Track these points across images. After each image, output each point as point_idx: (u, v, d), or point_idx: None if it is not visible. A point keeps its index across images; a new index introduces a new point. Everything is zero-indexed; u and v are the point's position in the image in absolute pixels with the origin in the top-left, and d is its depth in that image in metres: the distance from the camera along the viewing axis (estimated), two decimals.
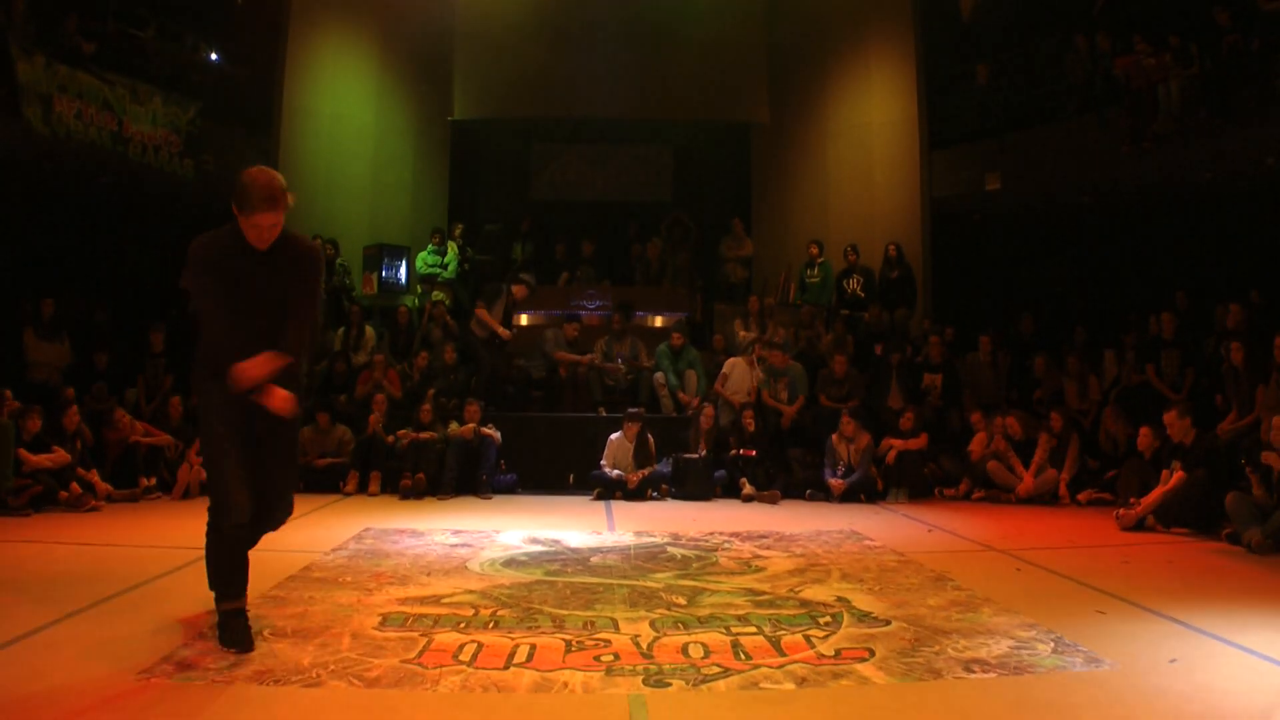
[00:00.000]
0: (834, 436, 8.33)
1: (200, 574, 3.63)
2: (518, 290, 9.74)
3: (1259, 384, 7.30)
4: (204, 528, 3.52)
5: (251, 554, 3.59)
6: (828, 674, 3.21)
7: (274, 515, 3.67)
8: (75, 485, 7.05)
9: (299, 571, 4.78)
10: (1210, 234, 10.51)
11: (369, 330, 10.25)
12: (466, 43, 12.78)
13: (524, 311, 10.70)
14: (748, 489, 8.15)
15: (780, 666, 3.28)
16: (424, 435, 8.36)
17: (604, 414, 9.31)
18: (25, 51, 8.79)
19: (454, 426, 8.48)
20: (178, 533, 5.85)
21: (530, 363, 10.21)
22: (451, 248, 11.86)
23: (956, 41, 11.98)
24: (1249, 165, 9.32)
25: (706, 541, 5.99)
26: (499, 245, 12.60)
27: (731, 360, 9.51)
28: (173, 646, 3.40)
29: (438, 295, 11.27)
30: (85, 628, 3.69)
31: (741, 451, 8.36)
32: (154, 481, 7.86)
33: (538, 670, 3.23)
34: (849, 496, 8.06)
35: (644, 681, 3.13)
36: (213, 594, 3.53)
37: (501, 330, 9.49)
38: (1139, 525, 6.45)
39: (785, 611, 4.08)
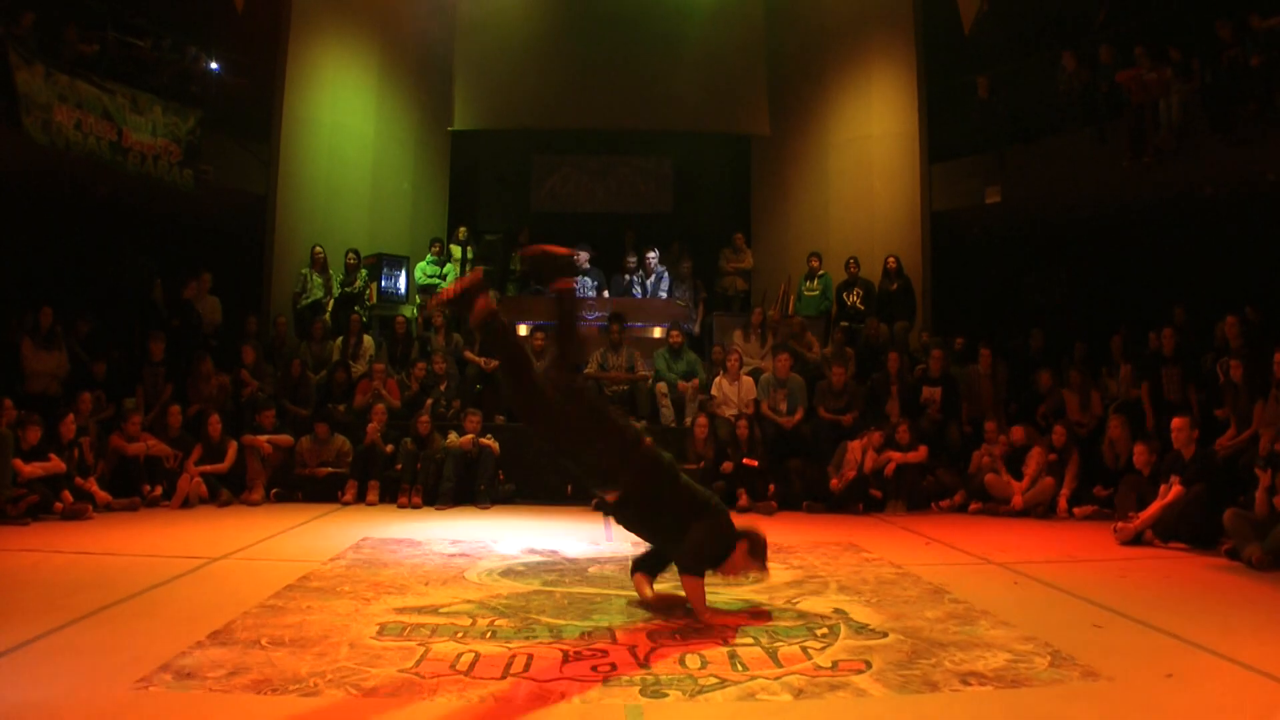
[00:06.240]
0: (853, 443, 8.31)
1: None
2: None
3: (1258, 399, 7.31)
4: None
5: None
6: (824, 685, 3.21)
7: None
8: (67, 494, 7.01)
9: (297, 581, 4.77)
10: (1210, 249, 10.51)
11: (368, 340, 10.23)
12: (466, 53, 12.81)
13: (521, 323, 10.70)
14: (744, 499, 8.14)
15: (777, 678, 3.28)
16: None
17: None
18: (25, 61, 8.79)
19: (453, 437, 8.48)
20: (176, 542, 5.81)
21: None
22: (455, 251, 11.92)
23: (957, 54, 12.00)
24: (1249, 180, 9.33)
25: None
26: (499, 255, 12.62)
27: (716, 381, 9.49)
28: (171, 655, 3.39)
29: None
30: (83, 636, 3.69)
31: (744, 461, 8.35)
32: (159, 491, 7.83)
33: (535, 680, 3.23)
34: (847, 499, 8.06)
35: (641, 692, 3.12)
36: None
37: (481, 361, 9.80)
38: (1137, 539, 6.43)
39: (782, 623, 4.08)
